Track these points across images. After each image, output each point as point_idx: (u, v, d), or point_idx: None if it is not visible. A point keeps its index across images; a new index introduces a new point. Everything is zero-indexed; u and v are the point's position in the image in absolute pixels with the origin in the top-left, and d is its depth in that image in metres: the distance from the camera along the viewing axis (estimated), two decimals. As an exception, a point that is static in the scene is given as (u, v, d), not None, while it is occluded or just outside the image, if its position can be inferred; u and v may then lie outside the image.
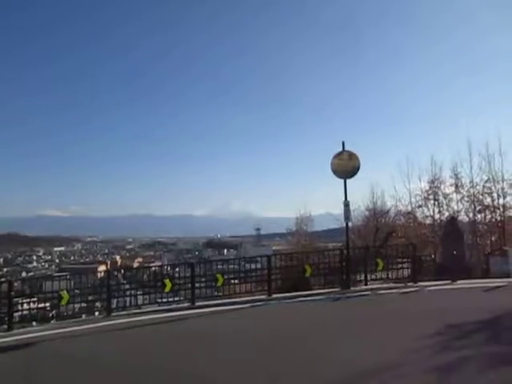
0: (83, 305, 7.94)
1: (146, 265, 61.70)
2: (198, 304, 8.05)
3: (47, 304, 7.66)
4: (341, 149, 8.89)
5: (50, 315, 7.84)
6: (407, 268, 9.28)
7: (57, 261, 71.00)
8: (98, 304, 8.16)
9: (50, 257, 74.07)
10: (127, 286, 8.23)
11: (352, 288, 8.55)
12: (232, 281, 8.82)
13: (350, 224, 9.67)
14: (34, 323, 7.49)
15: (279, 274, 9.07)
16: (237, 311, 6.98)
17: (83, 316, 8.21)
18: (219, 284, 8.37)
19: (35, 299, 7.48)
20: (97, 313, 8.18)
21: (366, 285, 8.91)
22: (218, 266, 9.08)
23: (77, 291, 7.74)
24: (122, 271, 9.76)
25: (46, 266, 64.75)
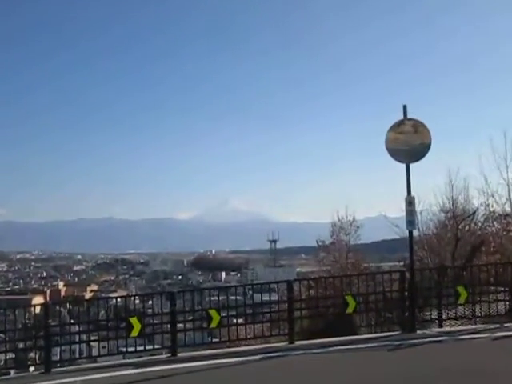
0: (10, 356, 8.10)
1: (103, 295, 62.80)
2: (181, 355, 8.14)
3: None
4: (400, 116, 8.85)
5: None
6: (504, 300, 9.26)
7: (-36, 289, 72.52)
8: (32, 355, 8.32)
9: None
10: (75, 328, 8.36)
11: (419, 331, 8.56)
12: (234, 320, 8.92)
13: (415, 233, 9.62)
14: None
15: (306, 309, 9.14)
16: (241, 367, 6.93)
17: (11, 373, 8.37)
18: (214, 325, 8.44)
19: None
20: (31, 368, 8.35)
21: (441, 326, 8.93)
22: (213, 298, 9.16)
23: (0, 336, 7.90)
24: (68, 305, 9.91)
25: None
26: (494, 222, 16.04)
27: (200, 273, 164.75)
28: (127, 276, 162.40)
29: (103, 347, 8.40)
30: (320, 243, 20.55)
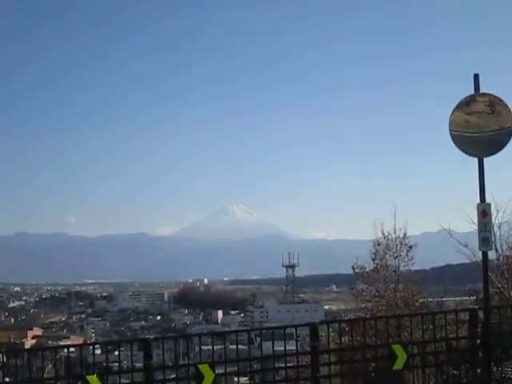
0: None
1: (50, 343, 62.68)
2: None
3: None
4: (469, 92, 8.90)
5: None
6: None
7: None
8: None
9: None
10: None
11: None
12: (235, 379, 8.92)
13: (492, 254, 9.57)
14: None
15: (337, 363, 9.17)
16: None
17: None
18: (206, 386, 8.50)
19: None
20: None
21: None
22: (204, 347, 9.17)
23: None
24: (2, 357, 9.95)
25: None
26: None
27: (187, 311, 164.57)
28: (84, 316, 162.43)
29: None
30: (357, 270, 20.59)
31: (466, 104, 8.84)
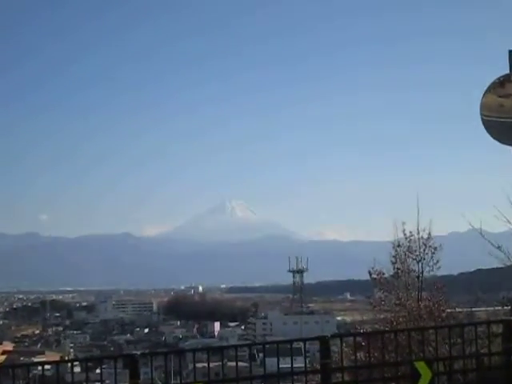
0: None
1: (22, 360, 62.66)
2: None
3: None
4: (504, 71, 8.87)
5: None
6: None
7: None
8: None
9: None
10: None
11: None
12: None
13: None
14: None
15: (352, 382, 9.19)
16: None
17: None
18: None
19: None
20: None
21: None
22: (199, 364, 9.18)
23: None
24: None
25: None
26: None
27: (179, 323, 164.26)
28: (61, 329, 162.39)
29: None
30: (375, 275, 20.54)
31: (499, 85, 8.81)
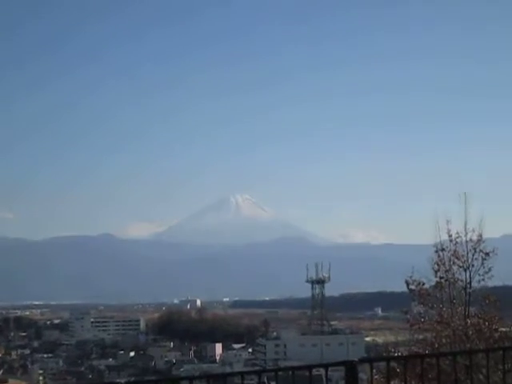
0: None
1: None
2: None
3: None
4: None
5: None
6: None
7: None
8: None
9: None
10: None
11: None
12: None
13: None
14: None
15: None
16: None
17: None
18: None
19: None
20: None
21: None
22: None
23: None
24: None
25: None
26: None
27: (172, 345, 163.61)
28: (28, 351, 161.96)
29: None
30: (413, 286, 20.60)
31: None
